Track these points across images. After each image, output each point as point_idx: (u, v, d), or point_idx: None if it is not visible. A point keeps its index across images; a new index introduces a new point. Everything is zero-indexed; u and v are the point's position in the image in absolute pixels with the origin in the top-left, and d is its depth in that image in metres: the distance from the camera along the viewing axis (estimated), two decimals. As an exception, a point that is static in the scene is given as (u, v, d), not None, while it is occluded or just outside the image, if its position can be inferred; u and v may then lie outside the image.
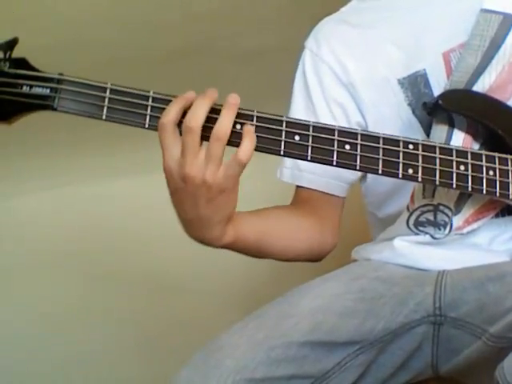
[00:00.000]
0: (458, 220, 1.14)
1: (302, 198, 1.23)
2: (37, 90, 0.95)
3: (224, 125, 0.96)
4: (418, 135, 1.15)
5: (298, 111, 1.24)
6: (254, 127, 0.98)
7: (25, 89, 0.95)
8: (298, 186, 1.24)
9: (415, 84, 1.17)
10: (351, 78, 1.21)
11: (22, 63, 0.97)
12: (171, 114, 0.96)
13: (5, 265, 1.93)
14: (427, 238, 1.16)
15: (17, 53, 0.98)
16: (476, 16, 1.13)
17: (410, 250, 1.17)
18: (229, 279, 1.95)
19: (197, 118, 0.95)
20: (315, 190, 1.22)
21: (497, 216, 1.15)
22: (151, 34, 1.71)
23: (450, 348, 1.11)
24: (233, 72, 1.80)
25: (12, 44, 0.98)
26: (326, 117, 1.21)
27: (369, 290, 1.13)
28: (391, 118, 1.19)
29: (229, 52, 1.77)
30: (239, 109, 0.98)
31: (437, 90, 1.15)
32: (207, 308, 1.95)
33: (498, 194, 1.06)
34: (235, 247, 1.09)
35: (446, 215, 1.15)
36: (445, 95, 1.11)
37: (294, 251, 1.20)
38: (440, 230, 1.15)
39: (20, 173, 1.88)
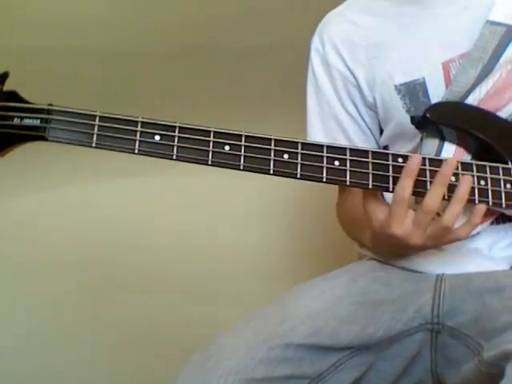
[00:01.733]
0: None
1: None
2: (28, 122, 0.97)
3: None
4: (417, 142, 1.16)
5: (316, 114, 1.27)
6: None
7: (16, 121, 0.97)
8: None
9: (413, 92, 1.17)
10: (357, 79, 1.23)
11: (13, 96, 0.99)
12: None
13: (4, 265, 1.93)
14: None
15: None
16: (481, 28, 1.14)
17: (412, 255, 1.17)
18: (228, 280, 1.93)
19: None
20: None
21: (497, 222, 1.15)
22: (151, 33, 1.70)
23: (447, 356, 1.12)
24: (233, 72, 1.79)
25: (2, 78, 1.00)
26: (343, 116, 1.24)
27: (369, 293, 1.14)
28: (390, 122, 1.20)
29: (229, 52, 1.76)
30: (227, 129, 1.00)
31: (435, 100, 1.16)
32: (206, 309, 1.94)
33: (490, 203, 1.07)
34: None
35: None
36: (432, 108, 1.12)
37: None
38: None
39: (20, 173, 1.88)
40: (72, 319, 1.93)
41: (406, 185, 1.01)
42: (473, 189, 1.06)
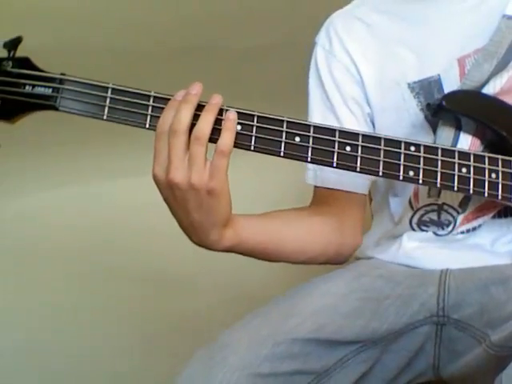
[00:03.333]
0: (461, 218, 1.14)
1: (322, 197, 1.22)
2: (39, 90, 0.96)
3: (203, 125, 0.95)
4: (429, 140, 1.13)
5: (317, 111, 1.24)
6: (235, 120, 0.97)
7: (27, 88, 0.96)
8: (316, 186, 1.23)
9: (428, 89, 1.15)
10: (362, 77, 1.21)
11: (25, 62, 0.98)
12: (168, 119, 0.95)
13: (5, 264, 1.96)
14: (430, 234, 1.16)
15: (18, 52, 0.99)
16: (498, 22, 1.12)
17: (413, 251, 1.17)
18: (231, 276, 1.95)
19: (181, 121, 0.95)
20: (337, 189, 1.21)
21: (499, 216, 1.15)
22: (151, 33, 1.70)
23: (451, 349, 1.11)
24: (233, 72, 1.80)
25: (16, 42, 0.99)
26: (345, 113, 1.21)
27: (373, 290, 1.13)
28: (401, 122, 1.17)
29: (229, 52, 1.77)
30: (240, 109, 0.99)
31: None
32: (209, 305, 1.96)
33: (499, 197, 1.06)
34: (238, 250, 1.09)
35: (451, 215, 1.15)
36: (449, 96, 1.10)
37: (307, 254, 1.18)
38: (443, 229, 1.16)
39: (21, 173, 1.90)
40: (71, 318, 1.96)
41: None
42: (483, 182, 1.05)
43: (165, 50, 1.73)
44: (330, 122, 1.21)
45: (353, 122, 1.21)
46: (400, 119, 1.17)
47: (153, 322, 1.96)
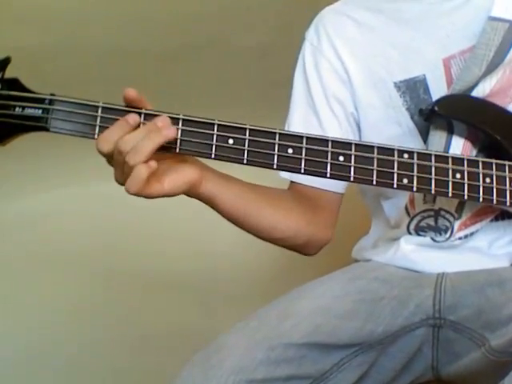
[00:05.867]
0: (458, 224, 1.14)
1: (297, 191, 1.21)
2: (29, 112, 0.95)
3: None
4: (415, 140, 1.15)
5: (298, 106, 1.24)
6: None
7: (17, 110, 0.95)
8: (291, 181, 1.22)
9: (414, 89, 1.16)
10: (350, 76, 1.20)
11: (14, 84, 0.97)
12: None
13: (5, 265, 1.96)
14: (427, 239, 1.16)
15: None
16: (483, 24, 1.12)
17: (411, 253, 1.17)
18: (229, 279, 1.95)
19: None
20: (311, 186, 1.20)
21: (496, 219, 1.15)
22: (151, 33, 1.69)
23: (449, 351, 1.12)
24: (233, 72, 1.79)
25: (4, 64, 0.98)
26: (326, 112, 1.21)
27: (368, 291, 1.13)
28: (387, 121, 1.17)
29: (229, 52, 1.76)
30: (232, 123, 0.98)
31: (436, 97, 1.13)
32: (209, 305, 1.96)
33: (495, 202, 1.05)
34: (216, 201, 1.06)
35: (448, 220, 1.15)
36: (441, 101, 1.10)
37: (276, 233, 1.16)
38: (441, 234, 1.15)
39: (21, 175, 1.90)
40: (71, 319, 1.96)
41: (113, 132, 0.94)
42: (478, 187, 1.04)
43: (164, 51, 1.71)
44: (309, 118, 1.22)
45: (333, 121, 1.21)
46: (386, 117, 1.18)
47: (153, 322, 1.96)
